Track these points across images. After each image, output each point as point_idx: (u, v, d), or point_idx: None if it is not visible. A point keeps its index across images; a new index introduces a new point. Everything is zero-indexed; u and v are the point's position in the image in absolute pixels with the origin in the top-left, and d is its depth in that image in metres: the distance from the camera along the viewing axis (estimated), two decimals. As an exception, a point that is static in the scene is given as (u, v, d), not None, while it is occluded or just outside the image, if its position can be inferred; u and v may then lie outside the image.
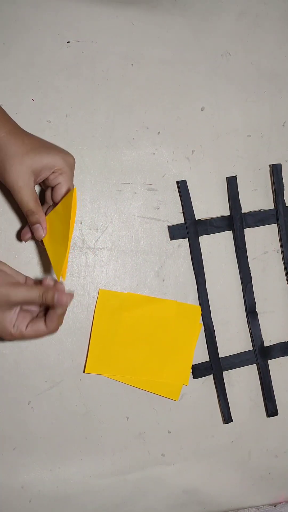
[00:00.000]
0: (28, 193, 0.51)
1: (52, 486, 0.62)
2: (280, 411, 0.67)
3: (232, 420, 0.65)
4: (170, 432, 0.65)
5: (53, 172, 0.52)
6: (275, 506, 0.68)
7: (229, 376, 0.66)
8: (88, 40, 0.61)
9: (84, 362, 0.62)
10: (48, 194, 0.55)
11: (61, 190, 0.53)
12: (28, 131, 0.55)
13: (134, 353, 0.63)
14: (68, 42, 0.60)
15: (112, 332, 0.62)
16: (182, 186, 0.63)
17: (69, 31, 0.60)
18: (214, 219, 0.65)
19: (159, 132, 0.63)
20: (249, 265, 0.66)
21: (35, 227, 0.53)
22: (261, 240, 0.67)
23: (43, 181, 0.54)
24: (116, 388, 0.63)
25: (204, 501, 0.66)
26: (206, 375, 0.65)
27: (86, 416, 0.62)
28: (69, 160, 0.53)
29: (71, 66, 0.60)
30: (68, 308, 0.61)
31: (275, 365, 0.67)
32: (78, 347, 0.62)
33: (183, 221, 0.64)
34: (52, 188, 0.54)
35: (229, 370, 0.66)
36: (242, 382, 0.67)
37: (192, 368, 0.64)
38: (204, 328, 0.65)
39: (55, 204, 0.54)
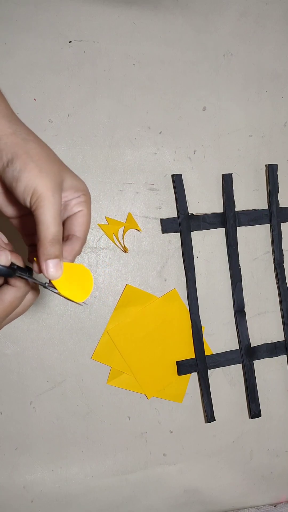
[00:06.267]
0: (59, 213, 0.37)
1: (53, 486, 0.62)
2: (282, 411, 0.67)
3: (214, 419, 0.65)
4: (171, 432, 0.65)
5: (78, 196, 0.40)
6: (275, 506, 0.68)
7: (230, 374, 0.66)
8: (90, 39, 0.61)
9: (86, 363, 0.62)
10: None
11: (82, 219, 0.41)
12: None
13: (141, 353, 0.63)
14: (69, 42, 0.60)
15: (126, 327, 0.62)
16: (177, 180, 0.63)
17: (71, 30, 0.60)
18: (207, 215, 0.65)
19: (160, 132, 0.63)
20: (251, 265, 0.66)
21: (54, 262, 0.38)
22: (263, 239, 0.67)
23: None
24: (118, 388, 0.63)
25: (205, 501, 0.66)
26: (191, 372, 0.65)
27: (88, 416, 0.62)
28: (89, 192, 0.43)
29: (73, 65, 0.60)
30: (70, 308, 0.61)
31: (276, 364, 0.68)
32: (79, 347, 0.62)
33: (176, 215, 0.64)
34: (66, 218, 0.41)
35: (215, 368, 0.66)
36: (243, 381, 0.67)
37: (177, 364, 0.64)
38: (192, 325, 0.64)
39: (67, 235, 0.42)
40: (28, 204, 0.37)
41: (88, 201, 0.41)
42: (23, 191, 0.36)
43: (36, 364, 0.61)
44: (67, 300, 0.40)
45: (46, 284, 0.39)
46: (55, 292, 0.39)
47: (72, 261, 0.41)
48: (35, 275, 0.39)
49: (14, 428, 0.60)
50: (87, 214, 0.41)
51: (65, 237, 0.41)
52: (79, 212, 0.40)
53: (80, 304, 0.41)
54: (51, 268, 0.38)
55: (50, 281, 0.39)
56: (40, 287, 0.41)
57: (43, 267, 0.38)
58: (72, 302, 0.41)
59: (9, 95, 0.58)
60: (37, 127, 0.59)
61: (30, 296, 0.40)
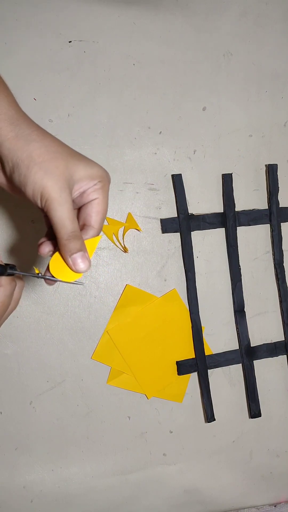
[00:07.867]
0: (71, 210, 0.38)
1: (53, 486, 0.62)
2: (282, 411, 0.67)
3: (214, 419, 0.65)
4: (171, 432, 0.65)
5: (94, 184, 0.40)
6: (275, 506, 0.68)
7: (230, 374, 0.66)
8: (90, 39, 0.61)
9: (86, 363, 0.62)
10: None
11: (97, 208, 0.40)
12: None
13: (141, 353, 0.63)
14: (69, 42, 0.60)
15: (126, 327, 0.62)
16: (176, 180, 0.63)
17: (71, 30, 0.60)
18: (207, 215, 0.65)
19: (160, 132, 0.63)
20: (251, 265, 0.66)
21: (78, 256, 0.39)
22: (263, 239, 0.67)
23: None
24: (118, 388, 0.63)
25: (205, 500, 0.66)
26: (191, 372, 0.65)
27: (88, 416, 0.62)
28: (108, 174, 0.42)
29: (73, 65, 0.60)
30: (70, 308, 0.61)
31: (276, 364, 0.68)
32: (79, 347, 0.62)
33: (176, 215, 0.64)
34: (81, 206, 0.41)
35: (215, 368, 0.66)
36: (243, 381, 0.67)
37: (177, 364, 0.64)
38: (192, 325, 0.64)
39: (82, 225, 0.42)
40: (39, 206, 0.38)
41: (104, 188, 0.40)
42: (32, 195, 0.37)
43: (36, 364, 0.61)
44: (65, 283, 0.41)
45: (40, 275, 0.40)
46: (51, 279, 0.40)
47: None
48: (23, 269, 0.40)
49: (14, 428, 0.60)
50: (102, 201, 0.40)
51: (80, 227, 0.41)
52: (94, 200, 0.40)
53: (78, 284, 0.42)
54: (80, 262, 0.39)
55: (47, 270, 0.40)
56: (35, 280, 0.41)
57: (70, 263, 0.39)
58: (70, 284, 0.42)
59: (9, 95, 0.58)
60: (37, 127, 0.59)
61: (18, 290, 0.40)
